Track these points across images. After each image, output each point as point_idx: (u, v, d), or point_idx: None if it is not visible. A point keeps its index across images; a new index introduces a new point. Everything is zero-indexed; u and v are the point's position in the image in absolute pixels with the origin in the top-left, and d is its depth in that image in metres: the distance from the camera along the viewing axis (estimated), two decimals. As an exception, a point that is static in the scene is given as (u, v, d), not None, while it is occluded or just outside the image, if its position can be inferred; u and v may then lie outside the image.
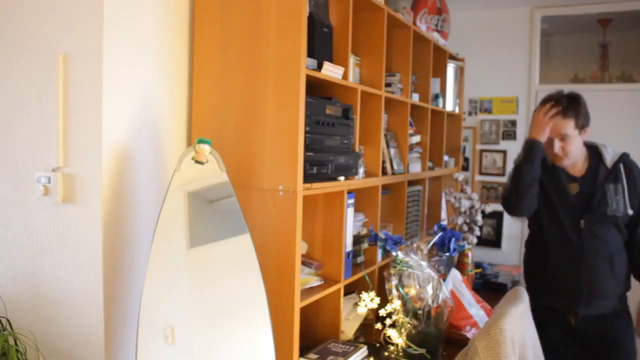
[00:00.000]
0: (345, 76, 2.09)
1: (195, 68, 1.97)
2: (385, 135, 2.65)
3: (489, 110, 4.44)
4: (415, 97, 2.94)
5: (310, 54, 1.85)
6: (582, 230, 2.27)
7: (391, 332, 2.11)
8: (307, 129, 1.83)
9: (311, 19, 1.89)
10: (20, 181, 1.77)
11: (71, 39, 1.67)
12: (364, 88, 2.25)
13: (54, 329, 1.74)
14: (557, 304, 2.37)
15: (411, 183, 2.97)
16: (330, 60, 2.03)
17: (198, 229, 1.68)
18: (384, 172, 2.57)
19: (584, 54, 4.43)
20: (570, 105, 2.25)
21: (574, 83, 4.34)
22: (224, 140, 1.87)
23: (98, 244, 1.66)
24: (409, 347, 2.09)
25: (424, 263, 2.19)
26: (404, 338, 2.10)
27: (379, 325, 2.16)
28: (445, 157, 3.53)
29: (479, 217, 3.34)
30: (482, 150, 4.49)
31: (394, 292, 2.14)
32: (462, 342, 2.23)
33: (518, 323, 1.83)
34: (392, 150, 2.70)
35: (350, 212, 2.18)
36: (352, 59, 2.27)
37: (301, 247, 1.96)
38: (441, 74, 3.42)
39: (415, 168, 2.97)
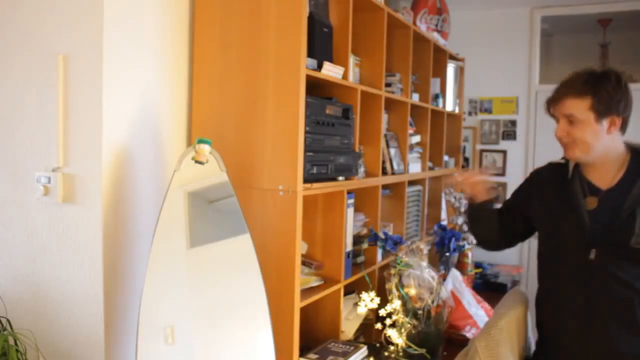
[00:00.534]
0: (345, 76, 2.09)
1: (195, 68, 1.97)
2: (385, 135, 2.65)
3: (489, 110, 4.44)
4: (415, 97, 2.93)
5: (310, 54, 1.85)
6: (591, 266, 1.63)
7: (391, 332, 2.11)
8: (307, 129, 1.83)
9: (311, 19, 1.89)
10: (20, 181, 1.77)
11: (71, 39, 1.67)
12: (364, 88, 2.25)
13: (54, 329, 1.74)
14: None
15: (411, 183, 2.97)
16: (330, 60, 2.03)
17: (198, 229, 1.68)
18: (384, 172, 2.57)
19: (584, 54, 4.43)
20: (590, 81, 1.66)
21: (574, 83, 4.34)
22: (224, 140, 1.87)
23: (98, 244, 1.66)
24: (409, 347, 2.09)
25: (424, 263, 2.19)
26: (404, 338, 2.10)
27: (379, 325, 2.16)
28: (445, 157, 3.53)
29: (479, 217, 3.34)
30: (482, 150, 4.49)
31: (394, 292, 2.14)
32: (462, 342, 2.23)
33: (518, 323, 1.83)
34: (392, 150, 2.70)
35: (350, 212, 2.18)
36: (352, 59, 2.27)
37: (301, 247, 1.96)
38: (441, 74, 3.42)
39: (415, 168, 2.97)
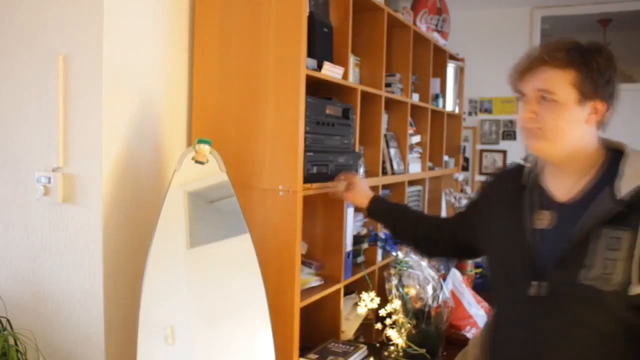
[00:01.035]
0: (345, 76, 2.09)
1: (195, 68, 1.97)
2: (385, 135, 2.65)
3: (489, 110, 4.45)
4: (415, 97, 2.93)
5: (310, 54, 1.85)
6: (533, 301, 1.22)
7: (391, 332, 2.11)
8: (307, 129, 1.83)
9: (311, 19, 1.89)
10: (20, 181, 1.77)
11: (71, 39, 1.67)
12: (364, 88, 2.25)
13: (54, 329, 1.74)
14: None
15: (411, 183, 2.97)
16: (331, 60, 2.03)
17: (198, 229, 1.68)
18: (384, 172, 2.57)
19: (584, 54, 4.43)
20: (577, 50, 1.22)
21: (574, 83, 4.34)
22: (224, 140, 1.87)
23: (98, 244, 1.66)
24: (409, 347, 2.09)
25: (424, 263, 2.19)
26: (404, 338, 2.10)
27: (379, 325, 2.16)
28: (445, 157, 3.53)
29: (479, 217, 3.33)
30: (482, 150, 4.49)
31: (394, 292, 2.14)
32: (462, 342, 2.23)
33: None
34: (392, 150, 2.70)
35: (350, 212, 2.18)
36: (352, 59, 2.27)
37: (301, 247, 1.96)
38: (441, 74, 3.42)
39: (415, 168, 2.97)
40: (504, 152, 4.41)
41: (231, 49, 1.88)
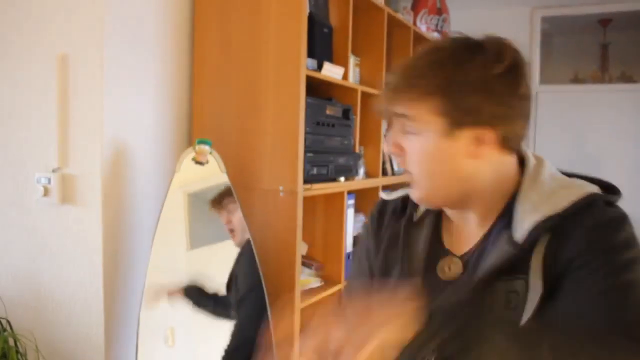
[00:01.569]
0: (345, 76, 2.09)
1: (195, 68, 1.97)
2: (386, 135, 2.65)
3: (489, 111, 4.44)
4: (416, 98, 2.93)
5: (310, 54, 1.85)
6: None
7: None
8: (307, 129, 1.83)
9: (311, 19, 1.88)
10: (20, 182, 1.76)
11: (71, 39, 1.67)
12: (364, 88, 2.25)
13: (54, 329, 1.74)
14: None
15: (411, 183, 2.96)
16: (331, 61, 2.03)
17: (198, 229, 1.68)
18: (384, 173, 2.56)
19: (584, 54, 4.43)
20: (443, 60, 0.86)
21: (574, 83, 4.34)
22: (224, 141, 1.87)
23: (98, 244, 1.66)
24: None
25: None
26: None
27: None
28: (446, 158, 3.52)
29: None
30: (482, 151, 4.49)
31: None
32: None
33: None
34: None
35: (350, 213, 2.18)
36: (352, 59, 2.27)
37: (301, 248, 1.96)
38: (441, 74, 3.41)
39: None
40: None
41: (231, 49, 1.88)
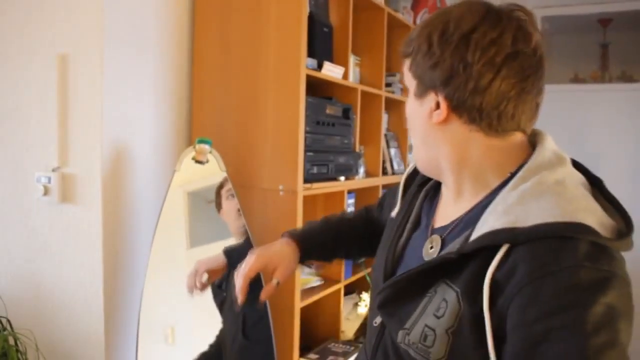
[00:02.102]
0: (345, 76, 2.09)
1: (195, 68, 1.97)
2: (386, 135, 2.65)
3: (489, 110, 4.43)
4: (416, 97, 2.93)
5: (310, 54, 1.85)
6: (378, 332, 0.92)
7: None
8: (307, 128, 1.83)
9: (311, 19, 1.89)
10: (20, 181, 1.76)
11: (71, 39, 1.67)
12: (364, 88, 2.25)
13: (54, 329, 1.74)
14: None
15: (411, 183, 2.96)
16: (331, 60, 2.03)
17: (198, 228, 1.68)
18: (384, 172, 2.56)
19: (584, 54, 4.43)
20: (427, 21, 0.87)
21: (574, 83, 4.34)
22: (224, 140, 1.87)
23: (98, 244, 1.66)
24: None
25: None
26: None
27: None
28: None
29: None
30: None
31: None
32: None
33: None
34: (393, 150, 2.69)
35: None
36: (352, 59, 2.27)
37: (301, 247, 1.96)
38: (441, 74, 3.41)
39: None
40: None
41: (231, 49, 1.88)
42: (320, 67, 1.91)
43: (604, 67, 4.38)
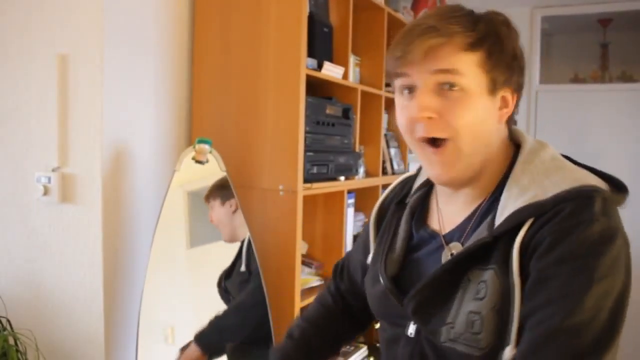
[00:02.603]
0: (345, 76, 2.09)
1: (195, 68, 1.97)
2: (385, 135, 2.65)
3: (489, 110, 4.43)
4: (416, 97, 2.93)
5: (310, 54, 1.85)
6: (412, 343, 0.88)
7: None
8: (307, 128, 1.83)
9: (311, 19, 1.89)
10: (20, 181, 1.76)
11: (71, 39, 1.67)
12: (364, 88, 2.25)
13: (54, 329, 1.74)
14: None
15: (411, 183, 2.96)
16: (331, 60, 2.03)
17: (198, 228, 1.68)
18: (384, 172, 2.56)
19: (584, 54, 4.43)
20: (481, 19, 0.84)
21: (574, 83, 4.34)
22: (224, 140, 1.87)
23: (98, 244, 1.66)
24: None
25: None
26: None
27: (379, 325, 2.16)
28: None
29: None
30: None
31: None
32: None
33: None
34: (393, 150, 2.69)
35: (350, 212, 2.18)
36: (352, 59, 2.27)
37: (301, 247, 1.96)
38: (441, 74, 3.41)
39: (416, 168, 2.96)
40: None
41: (231, 49, 1.88)
42: (320, 67, 1.91)
43: (604, 67, 4.38)
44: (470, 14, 0.84)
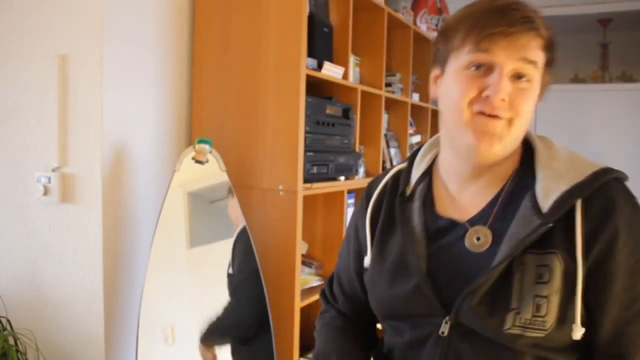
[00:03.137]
0: (345, 76, 2.09)
1: (195, 68, 1.97)
2: (386, 135, 2.65)
3: (489, 110, 4.44)
4: (416, 97, 2.93)
5: (310, 54, 1.85)
6: (444, 342, 0.86)
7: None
8: (307, 128, 1.83)
9: (311, 19, 1.89)
10: (20, 181, 1.76)
11: (71, 39, 1.67)
12: (364, 88, 2.25)
13: (54, 329, 1.74)
14: None
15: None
16: (331, 60, 2.03)
17: (198, 228, 1.68)
18: (384, 172, 2.56)
19: (584, 54, 4.43)
20: (536, 15, 0.86)
21: (574, 83, 4.34)
22: (224, 140, 1.87)
23: (98, 244, 1.66)
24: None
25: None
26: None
27: (379, 326, 2.16)
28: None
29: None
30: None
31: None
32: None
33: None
34: (393, 150, 2.69)
35: (350, 212, 2.18)
36: (352, 59, 2.27)
37: (301, 247, 1.96)
38: (441, 73, 3.41)
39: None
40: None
41: (231, 49, 1.88)
42: (320, 67, 1.91)
43: (604, 67, 4.38)
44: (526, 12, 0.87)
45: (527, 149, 0.92)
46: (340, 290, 1.10)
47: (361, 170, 2.31)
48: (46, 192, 1.70)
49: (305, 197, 1.84)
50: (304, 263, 2.05)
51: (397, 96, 2.65)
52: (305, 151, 1.82)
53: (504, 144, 0.84)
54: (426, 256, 0.90)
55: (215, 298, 1.68)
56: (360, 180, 2.26)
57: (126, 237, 1.75)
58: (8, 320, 1.71)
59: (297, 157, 1.77)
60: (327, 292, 1.14)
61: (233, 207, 1.71)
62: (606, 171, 0.83)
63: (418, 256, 0.90)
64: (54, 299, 1.74)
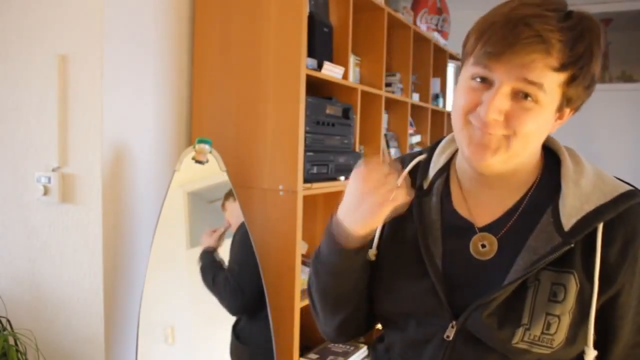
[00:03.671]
0: (345, 76, 2.09)
1: (195, 68, 1.97)
2: (386, 135, 2.65)
3: (489, 110, 4.44)
4: (416, 97, 2.93)
5: (310, 54, 1.85)
6: (448, 346, 0.84)
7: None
8: (307, 128, 1.83)
9: (311, 19, 1.89)
10: (20, 181, 1.77)
11: (71, 39, 1.67)
12: (364, 88, 2.25)
13: (54, 329, 1.74)
14: None
15: (411, 183, 2.97)
16: (331, 60, 2.03)
17: (198, 228, 1.68)
18: (384, 172, 2.56)
19: (584, 54, 4.43)
20: (573, 18, 0.83)
21: (574, 83, 4.34)
22: (224, 140, 1.87)
23: (98, 244, 1.66)
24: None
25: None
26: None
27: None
28: (446, 157, 3.52)
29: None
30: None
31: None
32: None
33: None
34: (393, 150, 2.69)
35: (350, 212, 2.18)
36: (352, 59, 2.27)
37: (301, 247, 1.96)
38: (441, 74, 3.42)
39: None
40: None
41: (231, 49, 1.88)
42: (320, 67, 1.91)
43: (603, 67, 4.38)
44: (571, 20, 0.81)
45: (550, 157, 0.90)
46: None
47: (361, 170, 2.31)
48: (46, 192, 1.70)
49: (305, 197, 1.84)
50: (304, 263, 2.05)
51: (397, 96, 2.65)
52: (305, 151, 1.82)
53: (503, 158, 0.80)
54: (441, 257, 0.88)
55: (215, 298, 1.68)
56: (360, 180, 2.26)
57: (126, 237, 1.75)
58: (8, 320, 1.71)
59: (297, 157, 1.77)
60: None
61: (232, 209, 1.71)
62: (631, 195, 0.81)
63: (435, 255, 0.87)
64: (54, 299, 1.74)
